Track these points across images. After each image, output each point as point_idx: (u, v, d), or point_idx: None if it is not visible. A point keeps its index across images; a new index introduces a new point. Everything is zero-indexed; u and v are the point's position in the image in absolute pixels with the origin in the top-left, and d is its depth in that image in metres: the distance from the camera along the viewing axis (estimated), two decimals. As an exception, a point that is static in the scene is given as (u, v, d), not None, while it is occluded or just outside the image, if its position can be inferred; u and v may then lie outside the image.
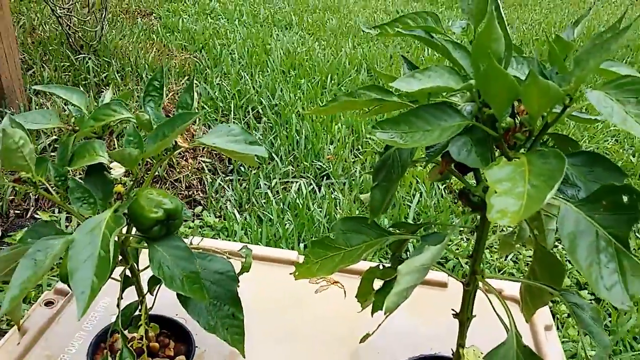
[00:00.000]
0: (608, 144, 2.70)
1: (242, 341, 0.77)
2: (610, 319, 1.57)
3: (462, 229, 1.89)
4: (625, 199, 0.53)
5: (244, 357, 0.77)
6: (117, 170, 0.66)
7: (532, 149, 0.56)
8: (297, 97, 2.93)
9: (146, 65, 3.07)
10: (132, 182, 0.71)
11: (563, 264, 0.65)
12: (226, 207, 1.98)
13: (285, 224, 1.88)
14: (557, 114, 0.54)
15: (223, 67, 3.28)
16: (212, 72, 3.17)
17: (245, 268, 0.84)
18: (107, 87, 2.88)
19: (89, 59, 2.97)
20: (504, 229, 1.93)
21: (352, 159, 2.43)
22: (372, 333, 0.76)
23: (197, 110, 0.70)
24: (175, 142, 0.70)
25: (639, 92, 0.50)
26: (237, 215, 1.92)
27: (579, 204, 0.54)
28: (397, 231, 0.74)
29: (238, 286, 0.80)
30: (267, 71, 3.27)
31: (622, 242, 0.52)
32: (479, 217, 0.67)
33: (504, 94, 0.50)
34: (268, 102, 2.84)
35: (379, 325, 0.73)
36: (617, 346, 1.44)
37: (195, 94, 0.71)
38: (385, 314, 0.61)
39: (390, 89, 0.61)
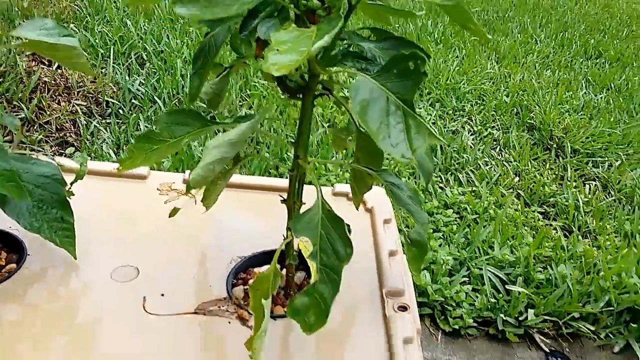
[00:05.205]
0: (485, 85, 2.85)
1: (73, 244, 0.75)
2: (468, 229, 1.68)
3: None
4: (411, 65, 0.56)
5: (75, 258, 0.75)
6: None
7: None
8: (184, 44, 2.84)
9: (18, 12, 2.86)
10: None
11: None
12: (101, 148, 1.91)
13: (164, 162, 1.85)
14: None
15: (106, 14, 3.12)
16: (94, 20, 3.01)
17: (80, 176, 0.82)
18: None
19: (-49, 2, 2.72)
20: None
21: (240, 102, 2.40)
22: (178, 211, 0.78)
23: None
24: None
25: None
26: (114, 156, 1.86)
27: (374, 75, 0.57)
28: (222, 121, 0.74)
29: (70, 193, 0.78)
30: (154, 19, 3.14)
31: (408, 104, 0.56)
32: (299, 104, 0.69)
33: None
34: (153, 48, 2.74)
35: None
36: (473, 253, 1.56)
37: None
38: (194, 188, 0.63)
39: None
